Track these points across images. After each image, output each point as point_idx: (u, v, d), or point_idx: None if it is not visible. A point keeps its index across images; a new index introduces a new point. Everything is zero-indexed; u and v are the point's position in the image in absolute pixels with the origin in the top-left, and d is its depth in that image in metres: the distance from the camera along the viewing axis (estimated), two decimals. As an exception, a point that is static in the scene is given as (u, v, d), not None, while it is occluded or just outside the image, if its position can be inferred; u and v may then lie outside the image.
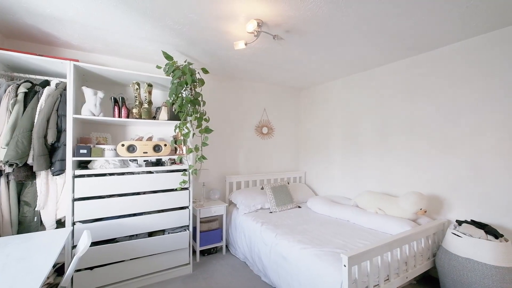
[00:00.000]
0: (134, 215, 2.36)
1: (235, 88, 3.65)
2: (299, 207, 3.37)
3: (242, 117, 3.72)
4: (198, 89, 2.47)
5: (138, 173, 2.42)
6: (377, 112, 3.08)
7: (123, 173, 2.35)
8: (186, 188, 2.62)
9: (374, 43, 2.33)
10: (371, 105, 3.15)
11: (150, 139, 2.68)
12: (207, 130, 2.42)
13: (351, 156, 3.41)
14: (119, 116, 2.39)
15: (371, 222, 2.50)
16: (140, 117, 2.47)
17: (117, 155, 2.30)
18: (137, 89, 2.48)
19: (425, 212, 2.36)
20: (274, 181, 3.91)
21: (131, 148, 2.31)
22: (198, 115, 2.41)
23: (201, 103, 2.45)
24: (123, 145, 2.27)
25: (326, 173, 3.81)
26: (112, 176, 2.26)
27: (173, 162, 2.69)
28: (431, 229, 2.21)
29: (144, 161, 2.46)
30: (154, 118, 2.63)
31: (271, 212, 3.09)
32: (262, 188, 3.36)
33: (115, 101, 2.39)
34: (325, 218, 2.87)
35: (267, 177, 3.79)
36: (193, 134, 2.48)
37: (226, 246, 3.18)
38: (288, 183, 3.63)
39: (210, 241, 2.98)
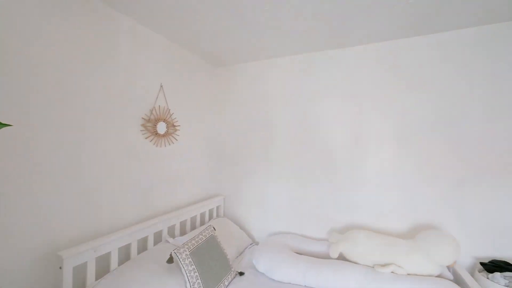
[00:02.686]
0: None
1: (94, 23, 1.49)
2: (241, 273, 1.81)
3: (109, 96, 1.60)
4: None
5: None
6: (346, 108, 2.14)
7: None
8: None
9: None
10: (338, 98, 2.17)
11: None
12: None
13: (306, 171, 2.29)
14: None
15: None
16: None
17: None
18: None
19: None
20: (183, 226, 2.09)
21: None
22: None
23: None
24: None
25: (262, 196, 2.48)
26: None
27: None
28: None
29: None
30: None
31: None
32: (171, 261, 1.49)
33: None
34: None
35: (171, 221, 1.91)
36: None
37: None
38: (215, 229, 1.93)
39: None
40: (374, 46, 2.04)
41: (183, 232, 2.08)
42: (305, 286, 1.66)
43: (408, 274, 1.57)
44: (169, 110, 2.05)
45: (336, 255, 1.81)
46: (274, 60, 2.41)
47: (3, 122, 1.06)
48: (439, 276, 1.59)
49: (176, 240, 1.83)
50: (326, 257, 1.91)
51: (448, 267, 1.66)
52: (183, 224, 2.11)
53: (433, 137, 1.88)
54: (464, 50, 1.81)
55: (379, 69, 2.03)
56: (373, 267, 1.66)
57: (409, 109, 1.94)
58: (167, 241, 1.80)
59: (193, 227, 2.23)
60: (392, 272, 1.59)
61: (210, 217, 2.45)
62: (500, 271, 1.55)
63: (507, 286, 1.46)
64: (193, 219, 2.25)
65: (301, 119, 2.31)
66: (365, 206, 2.08)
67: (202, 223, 2.32)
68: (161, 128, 1.95)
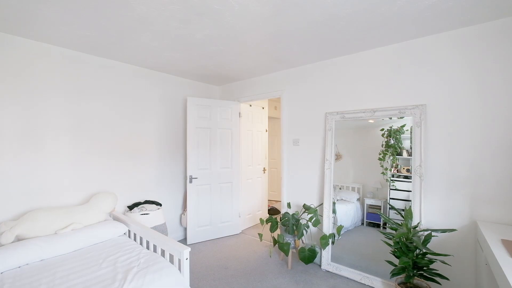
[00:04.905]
0: None
1: None
2: None
3: None
4: None
5: None
6: None
7: None
8: None
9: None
10: None
11: None
12: None
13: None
14: None
15: (78, 241, 1.97)
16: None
17: None
18: None
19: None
20: None
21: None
22: None
23: None
24: None
25: None
26: None
27: None
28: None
29: None
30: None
31: None
32: None
33: None
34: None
35: None
36: None
37: None
38: None
39: None
40: (49, 45, 2.30)
41: None
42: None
43: (85, 226, 2.16)
44: None
45: (10, 240, 1.84)
46: None
47: None
48: (106, 220, 2.38)
49: None
50: None
51: (111, 213, 2.52)
52: None
53: (99, 131, 2.64)
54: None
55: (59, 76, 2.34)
56: (55, 233, 2.00)
57: (85, 109, 2.51)
58: None
59: None
60: (72, 229, 2.07)
61: None
62: (137, 206, 2.74)
63: (140, 212, 2.66)
64: None
65: None
66: (45, 189, 2.26)
67: None
68: None
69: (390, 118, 2.31)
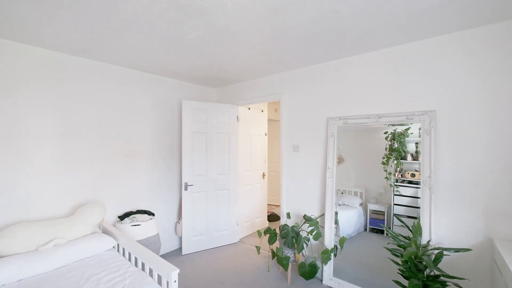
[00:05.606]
0: None
1: None
2: None
3: None
4: None
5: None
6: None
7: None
8: None
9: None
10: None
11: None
12: None
13: None
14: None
15: (60, 258, 1.83)
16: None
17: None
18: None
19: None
20: None
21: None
22: None
23: None
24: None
25: None
26: None
27: None
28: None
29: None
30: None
31: None
32: None
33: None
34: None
35: None
36: None
37: None
38: None
39: None
40: (33, 47, 2.16)
41: None
42: None
43: (70, 241, 2.02)
44: None
45: (-14, 258, 1.70)
46: None
47: None
48: (93, 233, 2.24)
49: None
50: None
51: (99, 225, 2.38)
52: None
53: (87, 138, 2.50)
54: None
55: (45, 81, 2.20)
56: (36, 250, 1.86)
57: (72, 113, 2.37)
58: None
59: None
60: (55, 244, 1.93)
61: None
62: (127, 217, 2.60)
63: (131, 223, 2.52)
64: None
65: None
66: (28, 200, 2.12)
67: None
68: None
69: (394, 125, 2.16)
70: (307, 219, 2.42)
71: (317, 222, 2.31)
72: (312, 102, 2.68)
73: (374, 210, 2.36)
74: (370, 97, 2.29)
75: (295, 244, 2.35)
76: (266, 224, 4.18)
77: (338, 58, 2.46)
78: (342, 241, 2.29)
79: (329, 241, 2.40)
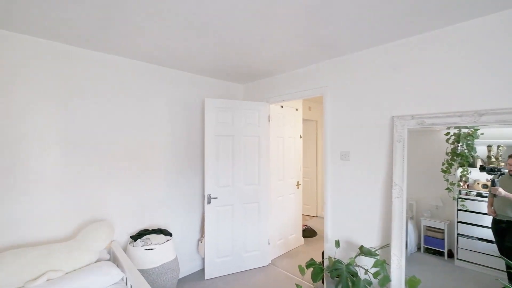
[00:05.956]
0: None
1: None
2: None
3: None
4: None
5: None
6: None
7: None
8: None
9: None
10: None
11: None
12: None
13: None
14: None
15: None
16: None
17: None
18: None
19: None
20: None
21: None
22: None
23: None
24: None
25: None
26: None
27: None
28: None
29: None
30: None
31: None
32: None
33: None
34: None
35: None
36: None
37: None
38: None
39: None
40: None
41: None
42: None
43: (67, 273, 1.63)
44: None
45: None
46: None
47: None
48: (98, 260, 1.85)
49: None
50: None
51: (107, 249, 1.99)
52: None
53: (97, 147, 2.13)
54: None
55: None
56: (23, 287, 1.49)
57: (79, 117, 2.02)
58: None
59: None
60: (48, 279, 1.55)
61: None
62: (140, 237, 2.19)
63: (143, 246, 2.10)
64: None
65: None
66: (24, 220, 1.79)
67: None
68: None
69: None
70: (365, 252, 1.81)
71: (384, 261, 1.69)
72: (369, 97, 2.05)
73: (429, 227, 1.99)
74: (463, 87, 1.61)
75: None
76: (301, 241, 3.59)
77: (406, 36, 1.81)
78: (413, 284, 1.64)
79: (398, 283, 1.76)
